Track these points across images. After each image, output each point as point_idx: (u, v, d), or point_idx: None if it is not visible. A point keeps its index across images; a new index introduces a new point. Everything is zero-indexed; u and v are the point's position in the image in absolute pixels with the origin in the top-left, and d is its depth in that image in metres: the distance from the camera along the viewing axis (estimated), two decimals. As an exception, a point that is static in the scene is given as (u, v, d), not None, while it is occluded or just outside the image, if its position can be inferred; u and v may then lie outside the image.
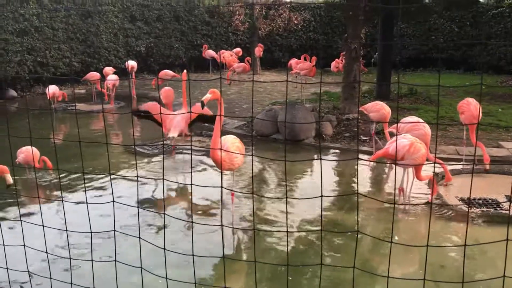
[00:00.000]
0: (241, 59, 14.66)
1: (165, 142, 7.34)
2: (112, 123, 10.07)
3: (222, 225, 2.45)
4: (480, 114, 5.95)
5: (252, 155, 2.37)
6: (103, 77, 12.03)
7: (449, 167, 5.74)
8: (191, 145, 2.34)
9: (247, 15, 17.16)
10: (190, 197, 5.50)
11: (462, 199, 5.31)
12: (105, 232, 4.07)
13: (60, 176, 6.08)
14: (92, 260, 2.68)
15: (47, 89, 10.21)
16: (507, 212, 4.86)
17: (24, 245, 2.85)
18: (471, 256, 4.11)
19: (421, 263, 3.93)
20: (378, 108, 6.88)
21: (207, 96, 4.47)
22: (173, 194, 5.83)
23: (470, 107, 6.17)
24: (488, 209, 5.00)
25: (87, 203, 2.60)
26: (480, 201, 5.21)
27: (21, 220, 2.95)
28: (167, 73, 11.73)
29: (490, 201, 5.22)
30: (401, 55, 17.53)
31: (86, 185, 5.80)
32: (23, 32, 12.69)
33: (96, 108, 11.34)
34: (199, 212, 5.11)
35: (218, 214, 4.96)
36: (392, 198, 5.49)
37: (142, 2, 16.02)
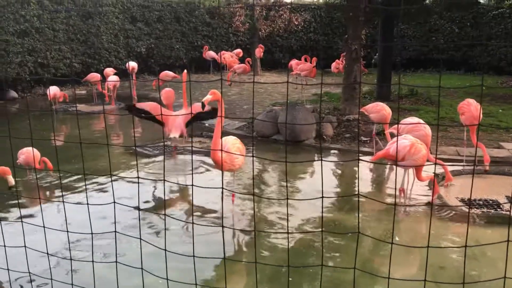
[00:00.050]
0: (241, 60, 14.67)
1: (165, 143, 7.34)
2: (113, 124, 10.08)
3: (223, 226, 2.46)
4: (481, 115, 5.95)
5: (253, 156, 2.37)
6: (103, 78, 12.04)
7: (450, 168, 5.74)
8: (191, 146, 2.34)
9: (247, 16, 17.17)
10: (191, 198, 5.50)
11: (462, 200, 5.31)
12: (106, 233, 4.08)
13: (61, 177, 6.08)
14: (93, 261, 2.68)
15: (48, 90, 10.21)
16: (508, 213, 4.85)
17: (25, 246, 2.85)
18: (471, 257, 4.10)
19: (422, 264, 3.92)
20: (379, 109, 6.89)
21: (208, 97, 4.47)
22: (174, 195, 5.83)
23: (470, 108, 6.17)
24: (488, 210, 4.99)
25: (88, 204, 2.60)
26: (481, 202, 5.21)
27: (21, 221, 2.95)
28: (167, 74, 11.74)
29: (490, 202, 5.22)
30: (402, 56, 17.53)
31: (87, 186, 5.80)
32: (24, 33, 12.71)
33: (96, 109, 11.35)
34: (200, 213, 5.11)
35: (219, 215, 4.96)
36: (392, 199, 5.49)
37: (142, 3, 16.03)
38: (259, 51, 15.95)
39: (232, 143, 4.81)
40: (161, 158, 7.10)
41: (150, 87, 14.00)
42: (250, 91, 13.17)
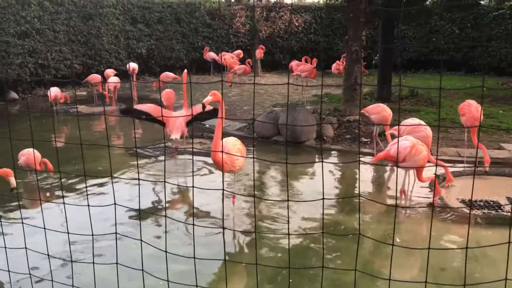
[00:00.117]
0: (242, 61, 14.67)
1: (166, 144, 7.35)
2: (113, 125, 10.08)
3: (223, 228, 2.45)
4: (481, 116, 5.95)
5: (253, 157, 2.37)
6: (104, 79, 12.04)
7: (450, 169, 5.73)
8: (192, 147, 2.34)
9: (248, 17, 17.17)
10: (192, 199, 5.50)
11: (463, 201, 5.30)
12: (106, 234, 4.08)
13: (61, 178, 6.08)
14: (93, 262, 2.68)
15: (48, 91, 10.22)
16: (509, 214, 4.85)
17: (25, 248, 2.85)
18: (472, 258, 4.10)
19: (423, 265, 3.92)
20: (379, 110, 6.88)
21: (208, 98, 4.47)
22: (174, 196, 5.83)
23: (471, 109, 6.17)
24: (489, 211, 4.99)
25: (88, 205, 2.60)
26: (482, 203, 5.21)
27: (22, 223, 2.95)
28: (168, 75, 11.74)
29: (491, 203, 5.21)
30: (402, 57, 17.54)
31: (88, 187, 5.80)
32: (25, 34, 12.72)
33: (97, 110, 11.36)
34: (200, 215, 5.10)
35: (219, 216, 4.95)
36: (393, 200, 5.48)
37: (143, 4, 16.05)
38: (259, 52, 15.95)
39: (232, 144, 4.81)
40: (161, 159, 7.10)
41: (150, 88, 14.01)
42: (251, 92, 13.17)
